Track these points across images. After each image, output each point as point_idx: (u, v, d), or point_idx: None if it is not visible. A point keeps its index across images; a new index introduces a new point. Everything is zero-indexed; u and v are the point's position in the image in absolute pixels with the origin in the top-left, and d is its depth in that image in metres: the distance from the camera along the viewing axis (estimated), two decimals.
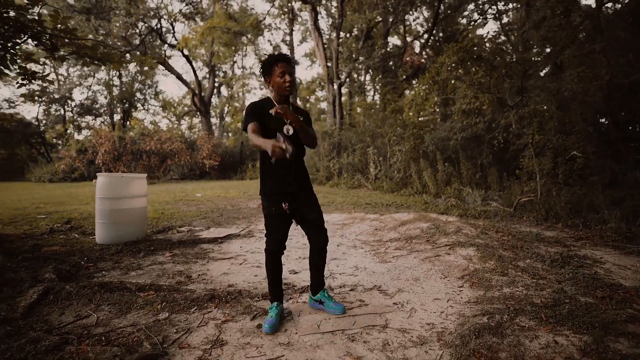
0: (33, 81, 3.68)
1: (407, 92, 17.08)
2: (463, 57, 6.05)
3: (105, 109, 24.95)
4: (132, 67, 25.78)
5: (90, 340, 2.03)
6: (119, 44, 19.70)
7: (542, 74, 9.99)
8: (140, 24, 17.24)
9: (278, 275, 2.37)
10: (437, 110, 15.04)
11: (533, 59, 10.78)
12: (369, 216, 5.75)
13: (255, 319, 2.32)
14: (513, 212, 6.54)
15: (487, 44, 10.18)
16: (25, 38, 3.38)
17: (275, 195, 2.25)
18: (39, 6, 3.11)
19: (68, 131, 20.32)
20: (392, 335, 2.09)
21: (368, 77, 23.82)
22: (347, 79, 21.33)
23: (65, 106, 23.03)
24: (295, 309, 2.49)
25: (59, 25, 3.35)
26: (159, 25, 17.93)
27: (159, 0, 17.33)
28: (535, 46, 11.37)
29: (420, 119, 11.11)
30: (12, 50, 3.49)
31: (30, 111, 23.98)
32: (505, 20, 18.37)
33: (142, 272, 3.26)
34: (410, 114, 8.49)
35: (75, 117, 23.43)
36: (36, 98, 21.61)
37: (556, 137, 6.53)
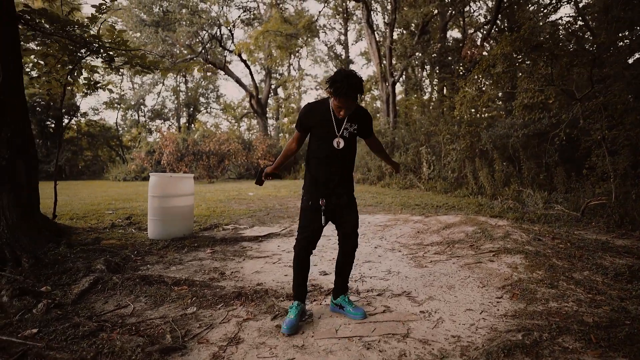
0: (96, 90, 4.07)
1: (464, 87, 16.19)
2: (520, 47, 5.53)
3: (173, 112, 26.99)
4: (197, 73, 27.57)
5: (122, 330, 2.18)
6: (185, 52, 21.22)
7: (630, 61, 8.81)
8: (202, 33, 18.36)
9: (304, 273, 2.33)
10: (499, 104, 14.04)
11: (620, 43, 9.53)
12: (413, 218, 5.53)
13: (275, 319, 2.34)
14: (580, 216, 5.88)
15: (560, 31, 9.24)
16: (89, 53, 3.75)
17: (315, 191, 2.24)
18: (98, 24, 3.44)
19: (141, 134, 22.33)
20: (411, 346, 1.97)
21: (425, 74, 22.98)
22: (403, 76, 20.77)
23: (139, 111, 25.35)
24: (317, 311, 2.46)
25: (116, 39, 3.66)
26: (219, 33, 18.95)
27: (218, 9, 18.28)
28: (617, 30, 10.09)
29: (479, 115, 10.43)
30: (79, 64, 3.92)
31: (109, 117, 26.84)
32: (583, 2, 16.53)
33: (182, 267, 3.45)
34: (462, 111, 8.00)
35: (147, 121, 25.68)
36: (115, 105, 24.10)
37: (636, 132, 5.73)
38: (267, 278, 3.14)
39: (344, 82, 1.97)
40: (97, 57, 3.67)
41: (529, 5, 18.37)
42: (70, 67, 3.67)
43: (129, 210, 6.90)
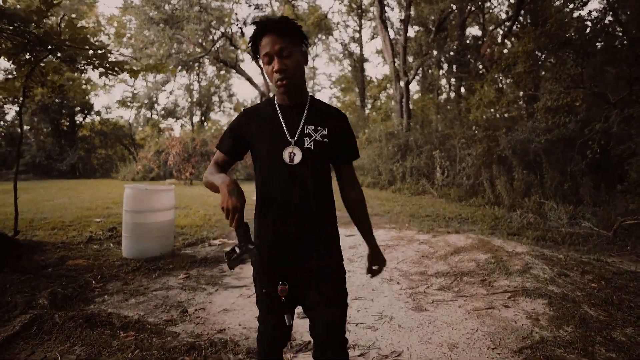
0: (60, 93, 3.66)
1: (484, 87, 15.34)
2: (545, 43, 4.85)
3: (186, 111, 26.92)
4: (210, 71, 27.40)
5: None
6: (198, 50, 21.00)
7: None
8: (213, 30, 18.04)
9: None
10: (520, 104, 13.21)
11: None
12: (419, 237, 4.95)
13: None
14: (612, 237, 5.18)
15: (589, 27, 8.41)
16: (47, 53, 3.34)
17: (267, 261, 1.30)
18: (47, 17, 3.01)
19: (149, 133, 22.29)
20: None
21: (441, 73, 22.11)
22: (418, 76, 19.98)
23: (152, 109, 25.36)
24: None
25: (76, 36, 3.23)
26: (229, 31, 18.62)
27: (229, 6, 17.95)
28: None
29: (498, 115, 9.66)
30: (40, 64, 3.51)
31: (122, 116, 26.99)
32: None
33: (143, 299, 3.00)
34: (478, 116, 7.32)
35: (159, 119, 25.67)
36: (128, 103, 24.15)
37: None
38: (234, 320, 2.65)
39: (256, 20, 1.23)
40: (54, 57, 3.27)
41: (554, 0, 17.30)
42: (27, 67, 3.27)
43: (120, 217, 6.55)
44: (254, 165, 1.39)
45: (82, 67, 3.48)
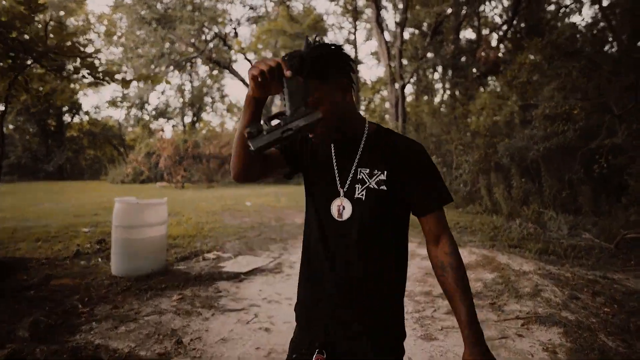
0: (44, 102, 3.44)
1: (481, 89, 15.30)
2: (551, 54, 4.76)
3: (178, 112, 26.53)
4: (202, 71, 27.05)
5: None
6: (191, 50, 20.68)
7: None
8: (206, 30, 17.77)
9: None
10: (518, 111, 13.22)
11: None
12: (421, 251, 4.82)
13: None
14: (614, 250, 5.11)
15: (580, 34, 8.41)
16: (31, 62, 3.12)
17: (303, 324, 1.14)
18: (32, 21, 2.80)
19: (139, 134, 21.89)
20: None
21: (437, 76, 22.11)
22: (413, 79, 19.93)
23: (143, 110, 24.93)
24: None
25: (62, 42, 3.02)
26: (223, 31, 18.36)
27: (222, 6, 17.71)
28: None
29: (495, 117, 9.59)
30: (22, 73, 3.29)
31: (112, 116, 26.46)
32: (606, 2, 15.54)
33: (134, 326, 2.80)
34: (479, 125, 7.24)
35: (150, 120, 25.26)
36: (118, 103, 23.69)
37: None
38: (233, 353, 2.48)
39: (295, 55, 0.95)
40: (40, 65, 3.05)
41: (548, 4, 17.38)
42: (10, 75, 3.05)
43: (109, 227, 6.30)
44: (306, 205, 1.17)
45: (70, 76, 3.27)
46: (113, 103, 23.24)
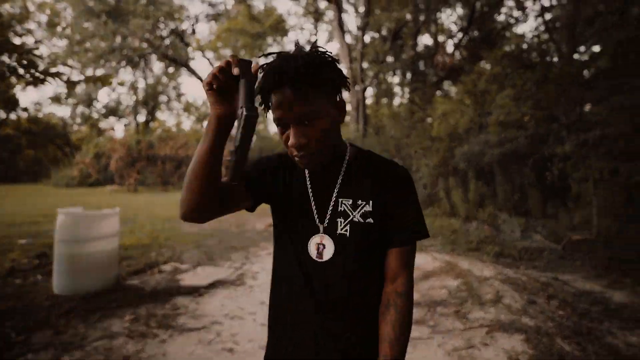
0: None
1: (438, 93, 15.86)
2: (508, 64, 4.99)
3: (130, 110, 25.13)
4: (157, 68, 25.86)
5: None
6: (145, 45, 19.61)
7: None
8: (161, 26, 16.96)
9: None
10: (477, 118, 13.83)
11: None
12: None
13: None
14: (562, 251, 5.45)
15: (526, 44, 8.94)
16: None
17: None
18: None
19: (87, 133, 20.47)
20: None
21: (396, 79, 22.67)
22: (374, 82, 20.30)
23: (91, 107, 23.34)
24: None
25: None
26: (180, 27, 17.63)
27: (179, 1, 17.02)
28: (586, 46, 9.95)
29: (455, 124, 9.95)
30: None
31: (55, 114, 24.50)
32: (549, 16, 16.73)
33: (80, 355, 2.53)
34: (441, 130, 7.46)
35: (100, 118, 23.70)
36: (63, 100, 21.98)
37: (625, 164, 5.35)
38: None
39: (275, 64, 0.81)
40: None
41: (498, 15, 18.42)
42: None
43: (50, 238, 5.76)
44: (274, 239, 1.01)
45: (4, 76, 2.89)
46: (57, 99, 21.53)
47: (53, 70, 3.09)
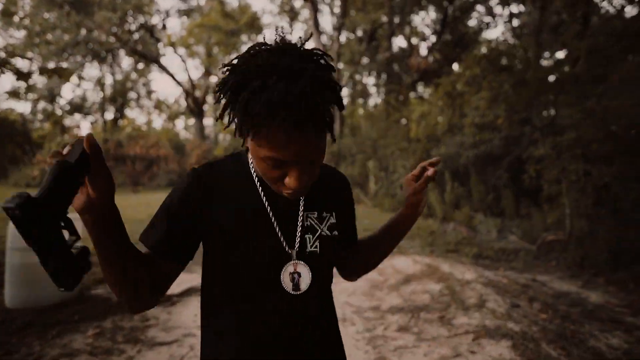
0: None
1: (412, 94, 16.07)
2: (486, 67, 5.04)
3: (97, 107, 23.99)
4: (126, 64, 24.85)
5: None
6: (112, 39, 18.73)
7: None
8: (129, 19, 16.26)
9: None
10: (455, 119, 14.10)
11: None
12: None
13: None
14: (536, 251, 5.55)
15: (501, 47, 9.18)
16: None
17: None
18: None
19: (49, 131, 19.35)
20: None
21: (372, 80, 22.84)
22: (350, 82, 20.35)
23: (54, 103, 22.08)
24: None
25: None
26: (150, 22, 16.97)
27: None
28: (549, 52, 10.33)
29: (434, 125, 10.09)
30: None
31: (14, 109, 22.98)
32: (516, 23, 17.35)
33: None
34: (419, 132, 7.50)
35: (64, 115, 22.45)
36: (22, 95, 20.63)
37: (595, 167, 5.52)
38: None
39: (281, 81, 0.58)
40: None
41: (469, 19, 18.93)
42: None
43: (3, 244, 5.29)
44: (205, 270, 0.81)
45: None
46: (15, 94, 20.17)
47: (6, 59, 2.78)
